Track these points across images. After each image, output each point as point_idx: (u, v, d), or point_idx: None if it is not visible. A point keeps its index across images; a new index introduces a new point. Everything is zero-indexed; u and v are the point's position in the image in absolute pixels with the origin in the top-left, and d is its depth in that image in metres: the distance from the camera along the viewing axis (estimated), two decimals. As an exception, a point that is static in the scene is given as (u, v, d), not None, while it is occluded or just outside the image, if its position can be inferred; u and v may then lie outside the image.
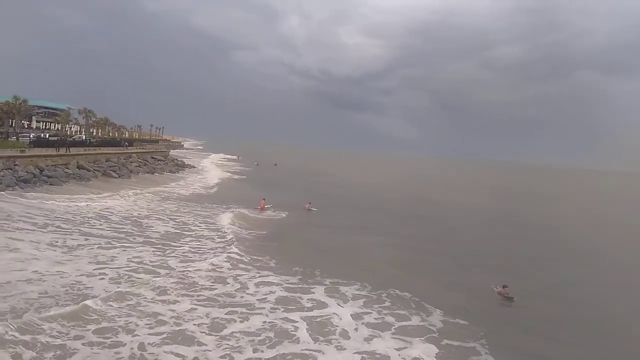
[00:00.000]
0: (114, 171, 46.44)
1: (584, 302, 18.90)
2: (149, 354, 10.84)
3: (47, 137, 59.31)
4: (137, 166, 54.47)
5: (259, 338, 12.26)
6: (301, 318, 13.84)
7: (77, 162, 42.74)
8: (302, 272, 18.64)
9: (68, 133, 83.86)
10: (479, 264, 24.02)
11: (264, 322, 13.32)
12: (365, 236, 28.51)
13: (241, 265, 18.74)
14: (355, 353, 11.97)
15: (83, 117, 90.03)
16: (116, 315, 12.52)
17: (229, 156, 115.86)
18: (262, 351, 11.59)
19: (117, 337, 11.41)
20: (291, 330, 12.94)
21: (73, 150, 45.52)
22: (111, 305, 13.00)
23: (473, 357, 12.68)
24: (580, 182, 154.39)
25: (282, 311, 14.26)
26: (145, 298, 13.98)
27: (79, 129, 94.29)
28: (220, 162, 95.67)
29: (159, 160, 66.03)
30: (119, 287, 14.73)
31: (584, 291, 20.61)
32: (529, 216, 46.82)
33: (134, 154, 61.12)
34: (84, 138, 71.75)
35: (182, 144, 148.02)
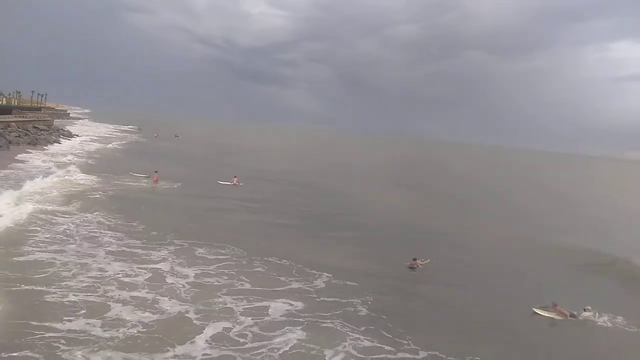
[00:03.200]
0: (-12, 142, 42.63)
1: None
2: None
3: None
4: (17, 136, 50.09)
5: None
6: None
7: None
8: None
9: None
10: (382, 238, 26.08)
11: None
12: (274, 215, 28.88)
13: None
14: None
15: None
16: None
17: (125, 127, 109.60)
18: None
19: None
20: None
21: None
22: None
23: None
24: (467, 156, 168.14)
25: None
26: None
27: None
28: (114, 132, 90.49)
29: (42, 130, 61.11)
30: None
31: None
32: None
33: (13, 123, 56.06)
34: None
35: (67, 112, 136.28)
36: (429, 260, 20.41)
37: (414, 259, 20.01)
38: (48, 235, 18.05)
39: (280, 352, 11.56)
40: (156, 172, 34.28)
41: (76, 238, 18.29)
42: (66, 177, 31.14)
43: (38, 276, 14.15)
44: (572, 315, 16.30)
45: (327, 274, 17.51)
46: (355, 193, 42.41)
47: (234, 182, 37.39)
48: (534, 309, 16.59)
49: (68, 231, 19.05)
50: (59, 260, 15.68)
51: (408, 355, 12.24)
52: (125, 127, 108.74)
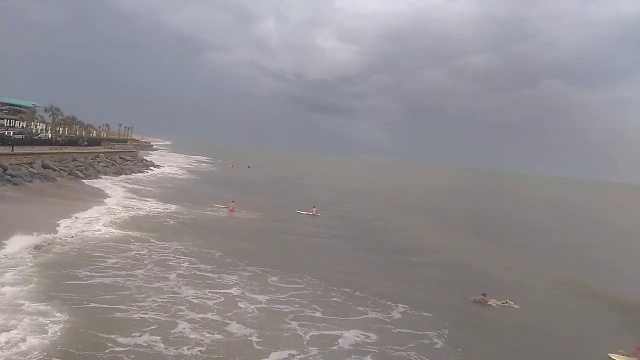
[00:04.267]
0: (81, 171, 45.77)
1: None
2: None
3: (11, 134, 57.89)
4: (104, 166, 53.75)
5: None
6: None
7: (43, 161, 41.96)
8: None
9: (33, 131, 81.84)
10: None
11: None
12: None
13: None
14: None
15: (49, 115, 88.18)
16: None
17: (203, 157, 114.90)
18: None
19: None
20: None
21: (37, 149, 44.64)
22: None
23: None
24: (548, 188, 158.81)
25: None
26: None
27: (45, 127, 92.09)
28: (192, 163, 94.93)
29: (127, 160, 65.25)
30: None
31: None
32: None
33: (102, 154, 60.27)
34: (49, 136, 70.23)
35: (151, 144, 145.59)
36: (506, 301, 18.43)
37: (484, 294, 18.45)
38: (123, 261, 18.38)
39: None
40: (233, 202, 34.68)
41: (150, 262, 18.61)
42: (145, 206, 32.21)
43: (111, 296, 14.48)
44: None
45: (403, 305, 16.70)
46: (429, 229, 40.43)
47: (313, 212, 37.20)
48: (610, 355, 14.26)
49: (141, 256, 19.42)
50: (133, 283, 16.03)
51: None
52: (203, 158, 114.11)
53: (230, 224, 30.88)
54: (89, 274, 16.28)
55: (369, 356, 12.43)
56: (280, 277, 18.50)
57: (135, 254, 19.57)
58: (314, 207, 37.75)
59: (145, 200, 35.18)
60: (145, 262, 18.56)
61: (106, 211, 28.30)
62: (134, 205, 31.84)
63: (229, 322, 13.57)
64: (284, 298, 16.16)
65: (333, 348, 12.74)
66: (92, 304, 13.60)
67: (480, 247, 32.39)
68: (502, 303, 18.39)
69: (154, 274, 17.08)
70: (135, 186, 43.83)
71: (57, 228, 21.85)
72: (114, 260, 18.13)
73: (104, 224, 24.34)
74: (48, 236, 19.86)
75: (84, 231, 22.15)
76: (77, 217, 24.83)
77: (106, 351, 11.01)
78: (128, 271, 17.07)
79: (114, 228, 23.65)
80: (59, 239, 20.18)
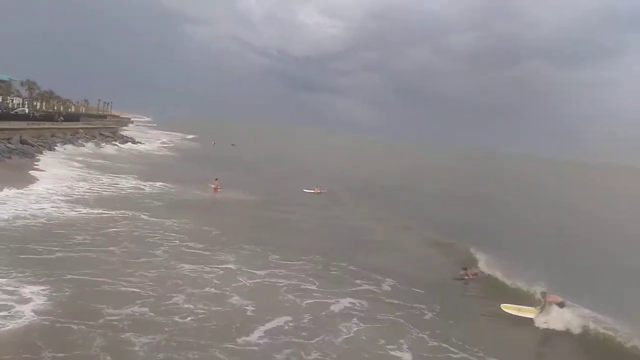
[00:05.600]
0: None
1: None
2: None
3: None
4: (84, 142, 52.72)
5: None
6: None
7: (20, 137, 40.89)
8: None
9: (10, 106, 79.38)
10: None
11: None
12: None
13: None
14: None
15: (26, 89, 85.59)
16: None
17: (183, 135, 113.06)
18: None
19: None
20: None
21: (14, 125, 43.47)
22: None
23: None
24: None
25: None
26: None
27: (21, 101, 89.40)
28: (173, 140, 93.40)
29: (107, 136, 64.01)
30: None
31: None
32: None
33: (81, 130, 59.03)
34: (26, 111, 68.30)
35: (131, 120, 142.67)
36: (477, 272, 18.75)
37: (464, 269, 18.49)
38: (101, 238, 17.85)
39: (340, 340, 11.67)
40: (216, 179, 34.22)
41: (134, 240, 18.31)
42: (126, 184, 31.70)
43: (94, 270, 14.29)
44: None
45: (392, 280, 17.12)
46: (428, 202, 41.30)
47: (318, 191, 37.84)
48: (502, 306, 14.89)
49: (122, 233, 19.00)
50: (118, 257, 15.92)
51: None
52: (184, 135, 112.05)
53: (221, 203, 30.56)
54: (61, 250, 15.80)
55: (356, 318, 13.04)
56: (281, 255, 18.48)
57: (116, 231, 19.11)
58: (317, 187, 38.16)
59: (124, 177, 34.26)
60: (127, 239, 18.14)
61: (85, 186, 27.78)
62: (115, 183, 31.26)
63: (227, 294, 13.67)
64: (283, 273, 16.30)
65: (324, 313, 13.20)
66: (72, 276, 13.42)
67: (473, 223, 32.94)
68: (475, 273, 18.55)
69: (143, 250, 16.88)
70: (114, 163, 43.00)
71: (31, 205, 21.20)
72: (89, 238, 17.50)
73: (77, 200, 23.75)
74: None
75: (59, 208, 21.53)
76: (52, 193, 24.25)
77: (100, 321, 10.99)
78: (107, 247, 16.72)
79: (89, 207, 22.61)
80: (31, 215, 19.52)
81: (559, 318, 14.17)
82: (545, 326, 14.18)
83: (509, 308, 14.86)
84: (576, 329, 13.91)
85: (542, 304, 14.69)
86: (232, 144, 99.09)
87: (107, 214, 21.81)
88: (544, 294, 14.86)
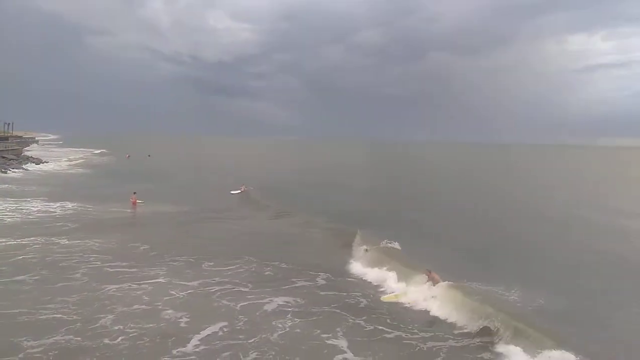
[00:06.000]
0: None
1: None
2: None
3: None
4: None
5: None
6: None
7: None
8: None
9: None
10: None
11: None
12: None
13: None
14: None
15: None
16: None
17: (95, 150, 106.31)
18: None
19: None
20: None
21: None
22: None
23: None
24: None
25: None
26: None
27: None
28: (84, 156, 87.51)
29: (10, 160, 58.66)
30: None
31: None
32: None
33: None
34: None
35: (36, 139, 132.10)
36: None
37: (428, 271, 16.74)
38: (11, 268, 16.55)
39: (276, 336, 11.89)
40: (134, 193, 32.82)
41: (49, 265, 17.21)
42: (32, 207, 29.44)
43: (21, 297, 13.62)
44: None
45: (328, 274, 17.56)
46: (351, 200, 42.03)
47: (243, 190, 38.84)
48: (382, 298, 15.32)
49: (33, 260, 17.69)
50: (36, 286, 15.08)
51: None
52: (94, 150, 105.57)
53: (143, 217, 28.91)
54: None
55: (290, 315, 13.30)
56: (215, 262, 18.30)
57: (24, 259, 17.66)
58: (242, 185, 38.52)
59: (29, 200, 31.67)
60: (39, 265, 16.88)
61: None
62: (21, 208, 28.76)
63: (158, 309, 13.30)
64: (216, 280, 16.13)
65: (259, 313, 13.33)
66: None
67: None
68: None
69: (59, 275, 15.88)
70: (19, 187, 39.60)
71: None
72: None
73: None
74: None
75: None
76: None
77: (20, 355, 10.31)
78: (16, 276, 15.55)
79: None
80: None
81: (438, 293, 14.77)
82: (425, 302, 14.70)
83: (388, 298, 15.29)
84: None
85: (427, 280, 15.51)
86: (149, 155, 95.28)
87: (13, 242, 20.09)
88: (428, 272, 15.73)
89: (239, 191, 38.52)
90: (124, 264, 17.61)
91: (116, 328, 11.87)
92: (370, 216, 31.12)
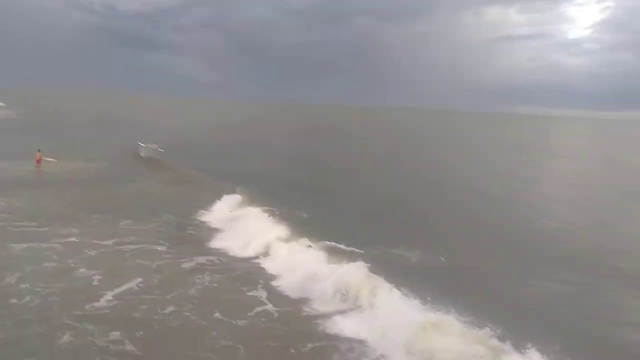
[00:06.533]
0: None
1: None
2: None
3: None
4: None
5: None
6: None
7: None
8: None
9: None
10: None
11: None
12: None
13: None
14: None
15: None
16: None
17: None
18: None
19: None
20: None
21: None
22: None
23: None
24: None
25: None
26: None
27: None
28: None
29: None
30: None
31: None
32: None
33: None
34: None
35: None
36: None
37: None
38: None
39: (194, 290, 12.10)
40: (39, 150, 30.29)
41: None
42: None
43: None
44: None
45: None
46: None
47: (154, 147, 36.03)
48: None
49: None
50: None
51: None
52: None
53: (52, 175, 27.08)
54: None
55: (209, 271, 13.51)
56: (133, 220, 17.88)
57: None
58: (154, 144, 36.39)
59: None
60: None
61: None
62: None
63: (70, 267, 12.94)
64: (133, 239, 15.80)
65: (176, 271, 13.40)
66: None
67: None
68: None
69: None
70: None
71: None
72: None
73: None
74: None
75: None
76: None
77: None
78: None
79: None
80: None
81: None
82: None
83: None
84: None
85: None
86: (55, 109, 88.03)
87: None
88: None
89: (149, 146, 36.30)
90: (33, 223, 16.73)
91: (23, 286, 11.48)
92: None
